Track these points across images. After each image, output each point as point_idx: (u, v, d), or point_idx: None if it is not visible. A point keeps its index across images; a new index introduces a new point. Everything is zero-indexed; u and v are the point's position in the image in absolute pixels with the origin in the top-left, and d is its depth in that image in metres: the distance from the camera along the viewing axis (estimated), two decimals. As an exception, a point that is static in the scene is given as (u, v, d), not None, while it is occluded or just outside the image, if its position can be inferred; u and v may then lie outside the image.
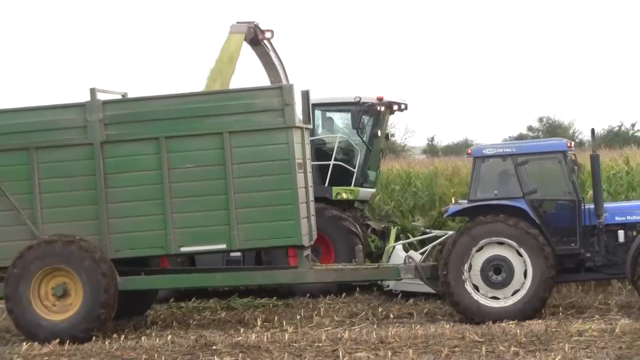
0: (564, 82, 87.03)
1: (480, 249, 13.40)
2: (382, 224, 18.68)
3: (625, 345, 11.22)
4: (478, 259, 13.41)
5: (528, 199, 13.51)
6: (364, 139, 17.76)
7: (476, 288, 13.41)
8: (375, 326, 13.47)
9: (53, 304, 13.43)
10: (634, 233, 13.56)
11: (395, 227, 17.40)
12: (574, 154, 13.94)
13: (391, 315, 14.39)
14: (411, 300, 15.55)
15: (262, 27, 17.89)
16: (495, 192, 13.61)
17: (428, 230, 17.73)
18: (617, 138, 47.28)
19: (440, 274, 13.57)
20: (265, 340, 12.63)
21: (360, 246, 15.18)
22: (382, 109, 17.83)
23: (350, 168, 17.74)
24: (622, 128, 51.69)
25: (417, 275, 14.23)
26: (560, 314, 13.73)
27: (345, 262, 15.40)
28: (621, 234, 13.58)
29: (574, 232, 13.57)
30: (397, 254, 15.95)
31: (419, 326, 13.09)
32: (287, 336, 12.81)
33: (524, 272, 13.30)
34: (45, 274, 13.38)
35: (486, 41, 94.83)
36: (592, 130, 14.35)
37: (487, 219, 13.34)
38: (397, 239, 16.97)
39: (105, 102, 13.82)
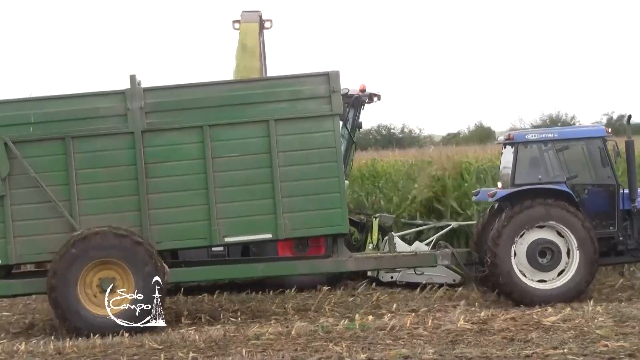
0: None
1: (524, 233, 13.59)
2: (361, 216, 18.65)
3: (300, 347, 11.40)
4: (523, 243, 13.61)
5: (570, 184, 13.80)
6: (348, 130, 17.70)
7: (522, 272, 13.61)
8: (52, 337, 12.86)
9: (95, 296, 12.91)
10: None
11: (377, 219, 17.38)
12: (615, 140, 14.29)
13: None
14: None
15: (263, 17, 17.82)
16: (540, 176, 13.85)
17: (420, 222, 17.90)
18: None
19: (487, 259, 13.69)
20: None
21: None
22: (366, 100, 17.79)
23: None
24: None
25: (454, 261, 14.38)
26: (239, 318, 13.79)
27: None
28: None
29: (612, 216, 13.94)
30: (397, 244, 15.94)
31: (97, 335, 12.54)
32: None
33: (567, 253, 13.58)
34: (92, 267, 12.88)
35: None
36: (629, 118, 14.80)
37: (536, 202, 13.53)
38: (380, 230, 16.96)
39: (146, 90, 13.40)
